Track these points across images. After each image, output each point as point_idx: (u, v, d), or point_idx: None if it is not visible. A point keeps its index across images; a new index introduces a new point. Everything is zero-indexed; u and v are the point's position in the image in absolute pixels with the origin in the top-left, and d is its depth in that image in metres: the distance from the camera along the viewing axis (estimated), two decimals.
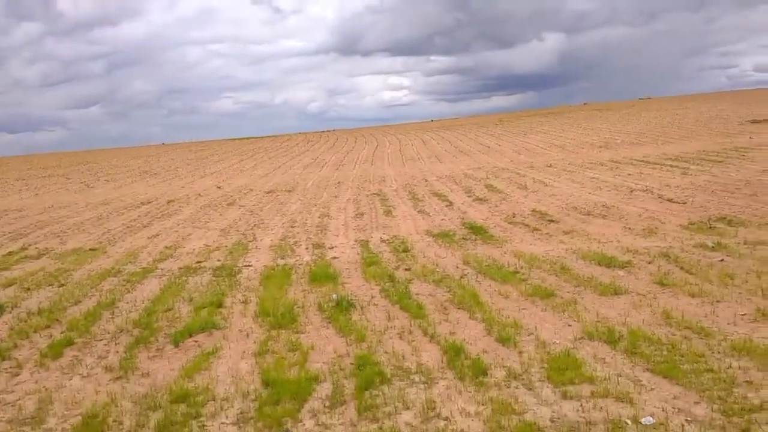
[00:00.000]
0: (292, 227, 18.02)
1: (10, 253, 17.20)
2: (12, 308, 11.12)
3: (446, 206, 19.75)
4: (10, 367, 8.18)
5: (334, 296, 9.97)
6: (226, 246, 15.83)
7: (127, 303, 10.87)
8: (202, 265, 13.76)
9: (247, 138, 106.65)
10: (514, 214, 17.19)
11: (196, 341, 8.51)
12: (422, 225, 16.80)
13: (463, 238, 14.54)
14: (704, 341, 7.06)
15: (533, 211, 17.36)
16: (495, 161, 34.55)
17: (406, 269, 11.87)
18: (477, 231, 15.16)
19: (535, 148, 40.80)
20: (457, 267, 11.75)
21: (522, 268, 11.16)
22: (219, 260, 14.14)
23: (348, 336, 8.21)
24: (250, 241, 16.21)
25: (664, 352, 6.81)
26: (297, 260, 13.52)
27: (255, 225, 18.90)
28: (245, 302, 10.37)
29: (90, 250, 16.73)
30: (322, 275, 11.70)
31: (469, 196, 21.47)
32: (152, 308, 10.30)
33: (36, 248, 17.68)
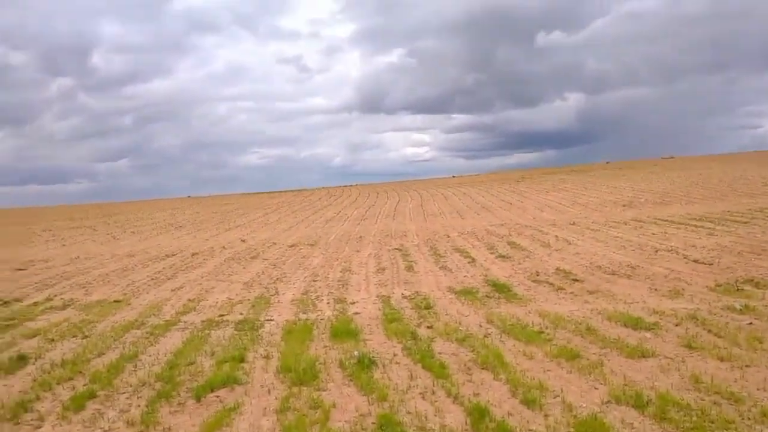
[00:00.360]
0: (314, 281, 18.06)
1: (35, 304, 17.40)
2: (35, 359, 11.16)
3: (468, 263, 19.71)
4: (32, 420, 8.19)
5: (356, 353, 9.92)
6: (248, 299, 15.89)
7: (150, 356, 10.90)
8: (225, 318, 13.80)
9: (272, 192, 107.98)
10: (537, 272, 17.10)
11: (217, 396, 8.48)
12: (444, 281, 16.75)
13: (487, 296, 14.47)
14: (734, 407, 6.90)
15: (557, 269, 17.26)
16: (517, 218, 34.54)
17: (428, 327, 11.80)
18: (500, 289, 15.08)
19: (558, 206, 40.77)
20: (481, 326, 11.66)
21: (547, 328, 11.05)
22: (241, 314, 14.18)
23: (370, 394, 8.14)
24: (272, 295, 16.26)
25: (694, 418, 6.66)
26: (318, 315, 13.51)
27: (277, 279, 18.98)
28: (267, 357, 10.35)
29: (114, 301, 16.88)
30: (344, 331, 11.67)
31: (491, 253, 21.42)
32: (175, 362, 10.31)
33: (61, 299, 17.87)
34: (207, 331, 12.57)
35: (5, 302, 17.81)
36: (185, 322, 13.72)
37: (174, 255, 27.35)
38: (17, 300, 18.12)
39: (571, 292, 14.28)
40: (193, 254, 27.16)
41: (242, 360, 10.17)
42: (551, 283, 15.46)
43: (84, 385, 9.41)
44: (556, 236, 24.62)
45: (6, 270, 25.40)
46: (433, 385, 8.36)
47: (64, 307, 16.68)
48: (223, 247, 29.23)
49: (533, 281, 15.93)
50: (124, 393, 8.95)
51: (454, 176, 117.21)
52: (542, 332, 10.75)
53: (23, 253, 32.40)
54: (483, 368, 9.02)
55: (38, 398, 8.98)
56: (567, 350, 9.48)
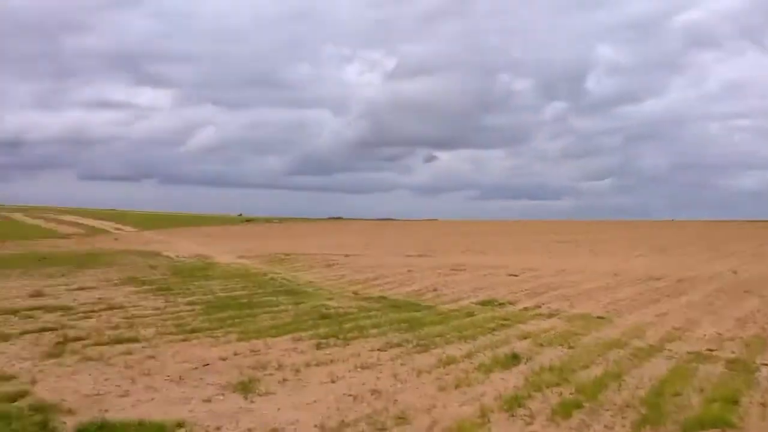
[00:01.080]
0: None
1: (525, 309, 19.06)
2: (526, 360, 12.19)
3: None
4: (524, 415, 8.95)
5: None
6: (741, 338, 14.44)
7: (633, 378, 10.84)
8: (714, 354, 12.84)
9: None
10: None
11: None
12: None
13: None
14: None
15: None
16: None
17: None
18: None
19: None
20: None
21: None
22: (733, 352, 12.98)
23: None
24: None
25: None
26: None
27: None
28: (764, 405, 9.26)
29: (597, 317, 17.32)
30: None
31: None
32: (660, 389, 10.05)
33: (548, 308, 19.15)
34: (694, 364, 11.90)
35: (501, 304, 20.03)
36: (669, 350, 13.24)
37: (658, 279, 26.62)
38: (510, 303, 20.17)
39: None
40: (677, 280, 26.03)
41: (735, 402, 9.32)
42: None
43: (570, 393, 9.89)
44: None
45: (502, 275, 28.54)
46: None
47: (550, 315, 17.84)
48: (710, 277, 27.24)
49: None
50: (608, 410, 9.11)
51: None
52: None
53: (516, 261, 35.89)
54: None
55: (529, 396, 9.78)
56: None
